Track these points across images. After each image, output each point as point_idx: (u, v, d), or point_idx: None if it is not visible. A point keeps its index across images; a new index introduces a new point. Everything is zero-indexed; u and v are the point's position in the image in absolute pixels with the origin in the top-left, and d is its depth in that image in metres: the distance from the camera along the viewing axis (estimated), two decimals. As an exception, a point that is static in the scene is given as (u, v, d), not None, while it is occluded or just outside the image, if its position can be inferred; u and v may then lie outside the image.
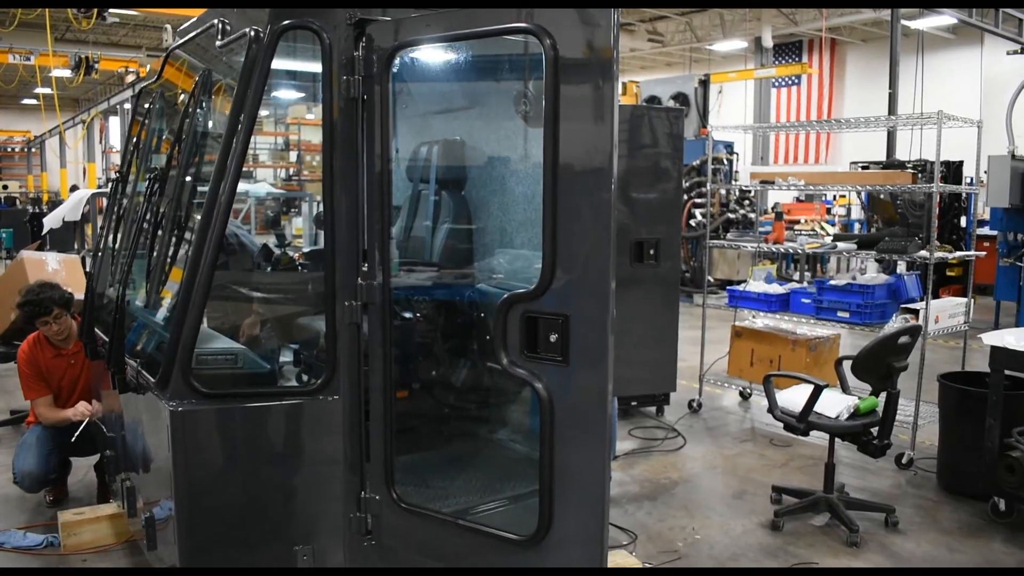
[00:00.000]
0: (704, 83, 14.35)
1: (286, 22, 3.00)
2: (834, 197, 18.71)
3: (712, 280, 13.79)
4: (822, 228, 15.81)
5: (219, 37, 3.19)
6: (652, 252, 4.29)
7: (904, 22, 16.75)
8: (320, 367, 3.15)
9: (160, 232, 3.52)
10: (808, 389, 4.59)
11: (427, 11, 2.96)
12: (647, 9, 21.50)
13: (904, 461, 5.71)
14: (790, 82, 24.50)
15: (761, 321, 7.29)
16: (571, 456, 2.67)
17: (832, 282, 6.38)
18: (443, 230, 4.40)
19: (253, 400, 3.06)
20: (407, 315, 4.16)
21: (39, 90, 27.04)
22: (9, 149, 37.99)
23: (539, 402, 2.63)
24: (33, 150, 36.39)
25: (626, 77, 24.58)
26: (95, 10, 16.47)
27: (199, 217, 3.04)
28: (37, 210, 22.02)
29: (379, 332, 3.04)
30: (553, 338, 2.58)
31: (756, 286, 6.95)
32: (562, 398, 2.61)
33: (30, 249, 11.35)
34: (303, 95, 4.47)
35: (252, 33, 2.96)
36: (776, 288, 6.84)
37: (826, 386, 4.54)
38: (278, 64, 3.07)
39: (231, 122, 2.98)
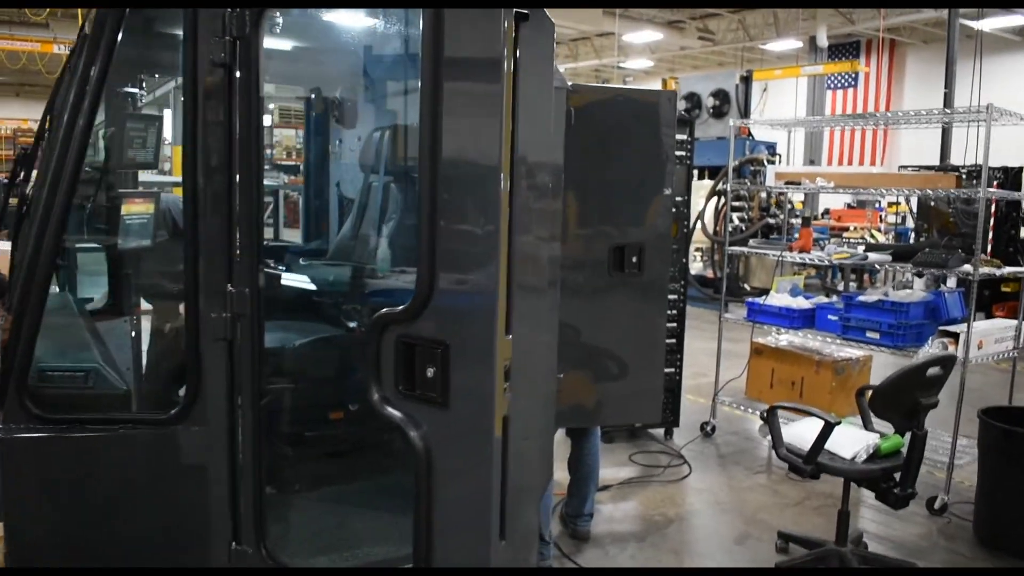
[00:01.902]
0: (746, 79, 13.52)
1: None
2: (887, 204, 17.74)
3: (749, 288, 13.02)
4: (872, 236, 14.91)
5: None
6: (635, 259, 3.62)
7: (965, 22, 15.75)
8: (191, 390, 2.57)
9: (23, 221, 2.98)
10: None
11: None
12: (697, 8, 20.74)
13: (937, 506, 4.96)
14: (845, 83, 23.38)
15: (785, 338, 6.57)
16: (449, 519, 2.05)
17: (862, 298, 5.63)
18: (391, 228, 3.83)
19: (98, 427, 2.49)
20: (346, 325, 3.59)
21: None
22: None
23: (414, 455, 2.01)
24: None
25: (677, 76, 23.84)
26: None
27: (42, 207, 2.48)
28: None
29: (248, 352, 2.44)
30: (431, 372, 1.96)
31: (779, 299, 6.23)
32: (441, 451, 1.99)
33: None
34: (163, 62, 3.90)
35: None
36: (800, 302, 6.11)
37: (837, 423, 3.84)
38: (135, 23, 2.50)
39: (76, 93, 2.42)
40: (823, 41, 20.62)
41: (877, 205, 17.66)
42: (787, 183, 6.16)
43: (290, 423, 3.45)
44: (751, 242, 6.84)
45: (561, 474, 4.45)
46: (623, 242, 3.67)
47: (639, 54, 24.86)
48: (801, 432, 4.21)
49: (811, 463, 3.95)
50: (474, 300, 1.97)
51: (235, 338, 2.45)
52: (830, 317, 5.87)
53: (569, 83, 3.51)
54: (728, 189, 6.84)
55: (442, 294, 1.97)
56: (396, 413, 2.04)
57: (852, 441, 4.09)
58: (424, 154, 2.01)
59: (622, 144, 3.64)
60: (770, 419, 4.15)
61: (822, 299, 6.40)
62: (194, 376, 2.48)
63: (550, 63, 2.55)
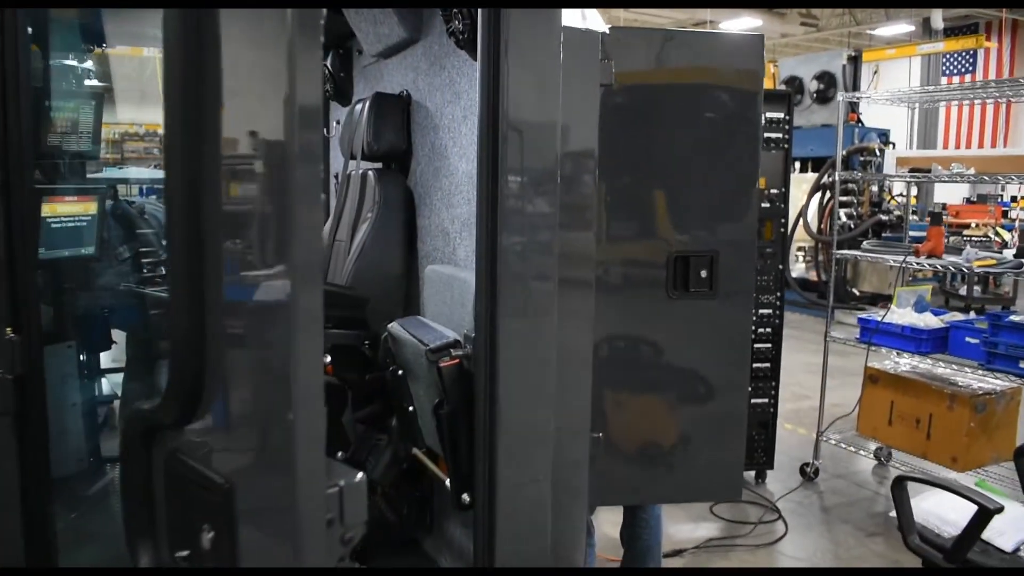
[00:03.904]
0: (854, 59, 12.06)
1: None
2: (1012, 198, 15.93)
3: (858, 292, 11.62)
4: (996, 235, 13.24)
5: None
6: (704, 274, 2.54)
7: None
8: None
9: None
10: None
11: None
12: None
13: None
14: (963, 68, 21.41)
15: (907, 362, 5.31)
16: None
17: (1015, 318, 4.38)
18: (362, 233, 2.85)
19: None
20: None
21: None
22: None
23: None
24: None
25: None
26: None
27: None
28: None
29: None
30: (209, 539, 0.97)
31: (901, 315, 5.01)
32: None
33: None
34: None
35: None
36: (929, 320, 4.88)
37: (999, 510, 2.68)
38: None
39: None
40: (938, 23, 18.91)
41: (1000, 200, 15.88)
42: (912, 171, 4.92)
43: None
44: (865, 244, 5.61)
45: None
46: (688, 250, 2.59)
47: (736, 42, 23.40)
48: (938, 508, 3.07)
49: (959, 559, 2.80)
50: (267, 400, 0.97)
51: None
52: (969, 340, 4.63)
53: (606, 26, 2.45)
54: (837, 179, 5.63)
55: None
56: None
57: (1014, 526, 2.93)
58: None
59: (683, 109, 2.56)
60: (896, 494, 3.00)
61: (956, 316, 5.14)
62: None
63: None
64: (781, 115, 5.07)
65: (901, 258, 4.92)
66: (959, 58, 20.98)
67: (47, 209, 3.13)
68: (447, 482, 2.31)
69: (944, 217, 14.56)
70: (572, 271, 2.22)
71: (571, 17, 2.25)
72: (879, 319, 5.05)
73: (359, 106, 3.06)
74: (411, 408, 2.61)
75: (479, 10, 1.97)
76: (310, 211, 1.17)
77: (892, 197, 11.39)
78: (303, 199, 1.15)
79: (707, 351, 2.70)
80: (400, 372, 2.58)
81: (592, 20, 2.44)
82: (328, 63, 3.78)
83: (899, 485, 2.98)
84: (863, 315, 5.36)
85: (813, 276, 11.80)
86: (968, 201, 16.84)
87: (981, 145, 21.23)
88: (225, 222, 1.19)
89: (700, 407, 2.78)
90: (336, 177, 3.77)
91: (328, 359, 2.82)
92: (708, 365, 2.70)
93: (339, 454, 2.79)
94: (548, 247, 2.08)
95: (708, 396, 2.74)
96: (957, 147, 21.36)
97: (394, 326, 2.55)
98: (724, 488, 2.89)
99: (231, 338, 1.20)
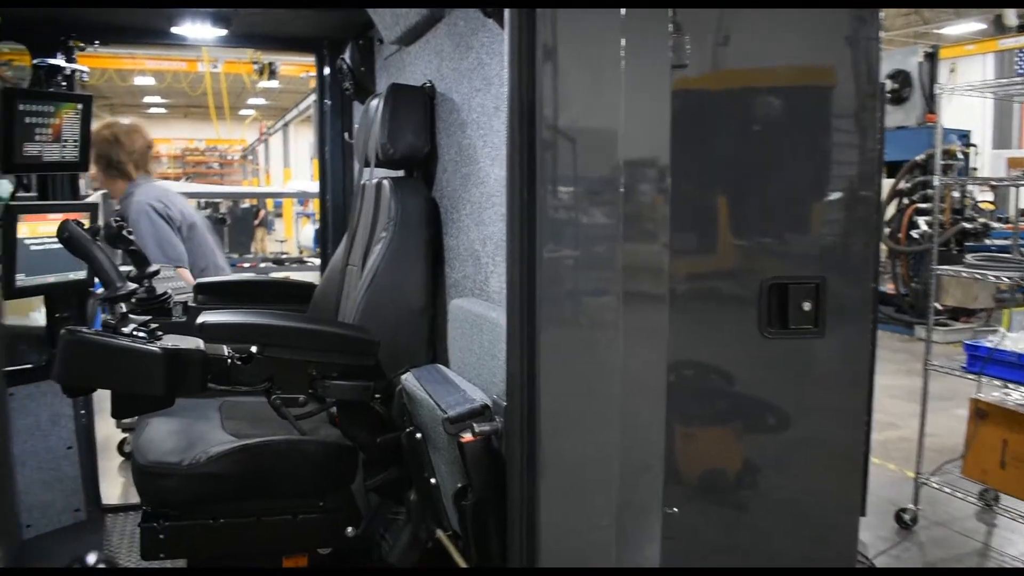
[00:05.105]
0: (931, 57, 11.24)
1: None
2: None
3: (940, 307, 10.77)
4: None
5: None
6: (808, 306, 1.92)
7: None
8: None
9: None
10: None
11: None
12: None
13: None
14: (1037, 65, 20.35)
15: (1020, 393, 4.59)
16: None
17: None
18: (376, 254, 2.31)
19: None
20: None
21: (251, 100, 31.34)
22: (229, 157, 39.83)
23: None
24: (248, 157, 37.95)
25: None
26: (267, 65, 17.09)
27: None
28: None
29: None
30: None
31: (1015, 341, 4.31)
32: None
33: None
34: None
35: None
36: (1052, 347, 4.18)
37: None
38: None
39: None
40: (1012, 19, 17.94)
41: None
42: (1029, 173, 4.23)
43: None
44: (970, 258, 4.92)
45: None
46: (786, 276, 1.98)
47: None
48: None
49: None
50: None
51: None
52: (1101, 372, 3.93)
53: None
54: (938, 185, 4.96)
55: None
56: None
57: None
58: None
59: (779, 102, 1.96)
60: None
61: (1081, 341, 4.41)
62: None
63: None
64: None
65: (1017, 275, 4.22)
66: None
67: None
68: None
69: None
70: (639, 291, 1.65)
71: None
72: (990, 346, 4.35)
73: (374, 102, 2.53)
74: (432, 481, 2.05)
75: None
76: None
77: (976, 203, 10.56)
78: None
79: (811, 405, 2.09)
80: (419, 435, 2.03)
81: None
82: (347, 56, 3.27)
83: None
84: (971, 343, 4.65)
85: (890, 288, 11.00)
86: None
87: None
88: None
89: (801, 475, 2.17)
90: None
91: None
92: (811, 422, 2.09)
93: (348, 529, 2.25)
94: (608, 262, 1.53)
95: (813, 464, 2.13)
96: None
97: (409, 379, 2.00)
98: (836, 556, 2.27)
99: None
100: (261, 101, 32.79)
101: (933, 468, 4.77)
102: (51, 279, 3.05)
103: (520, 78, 1.45)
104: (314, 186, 6.35)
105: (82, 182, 3.90)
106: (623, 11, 1.52)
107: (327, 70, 3.67)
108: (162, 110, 35.14)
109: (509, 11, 1.46)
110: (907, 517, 4.69)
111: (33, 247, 2.94)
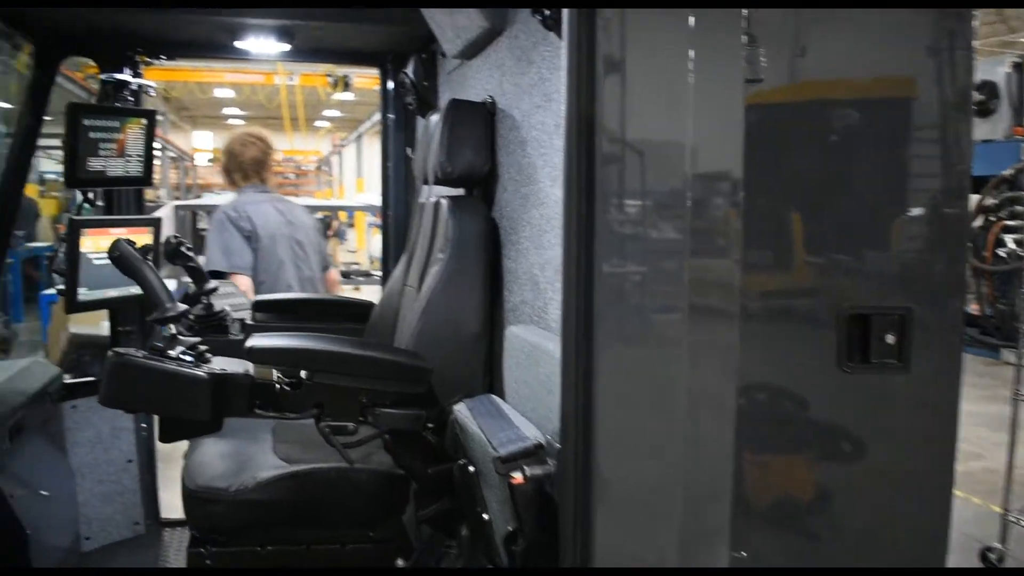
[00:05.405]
0: (1020, 67, 10.80)
1: None
2: None
3: (1025, 329, 10.34)
4: None
5: None
6: (892, 339, 1.76)
7: None
8: None
9: None
10: None
11: None
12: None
13: None
14: None
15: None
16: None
17: None
18: (433, 276, 2.23)
19: None
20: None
21: (326, 112, 32.35)
22: (304, 168, 40.74)
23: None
24: (323, 168, 38.81)
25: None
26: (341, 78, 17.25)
27: None
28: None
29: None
30: None
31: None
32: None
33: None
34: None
35: None
36: None
37: None
38: None
39: None
40: (1106, 24, 17.24)
41: None
42: None
43: None
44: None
45: None
46: (868, 306, 1.83)
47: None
48: None
49: None
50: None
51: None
52: None
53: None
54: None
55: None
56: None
57: None
58: None
59: (858, 116, 1.82)
60: None
61: None
62: None
63: None
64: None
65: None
66: None
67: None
68: None
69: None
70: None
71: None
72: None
73: (434, 118, 2.46)
74: (485, 516, 1.95)
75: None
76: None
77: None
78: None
79: (895, 447, 1.93)
80: (471, 468, 1.93)
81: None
82: (410, 70, 3.21)
83: None
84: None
85: (974, 309, 10.58)
86: None
87: None
88: None
89: (883, 512, 2.01)
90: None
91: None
92: (894, 466, 1.94)
93: (399, 561, 2.17)
94: (674, 276, 1.42)
95: (896, 499, 1.97)
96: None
97: (461, 410, 1.91)
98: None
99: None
100: (336, 113, 33.48)
101: (1022, 504, 4.50)
102: (112, 293, 3.05)
103: (579, 86, 1.36)
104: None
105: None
106: (691, 19, 1.42)
107: (390, 84, 3.64)
108: (240, 121, 36.09)
109: (567, 12, 1.37)
110: (993, 557, 4.43)
111: (96, 261, 2.94)
